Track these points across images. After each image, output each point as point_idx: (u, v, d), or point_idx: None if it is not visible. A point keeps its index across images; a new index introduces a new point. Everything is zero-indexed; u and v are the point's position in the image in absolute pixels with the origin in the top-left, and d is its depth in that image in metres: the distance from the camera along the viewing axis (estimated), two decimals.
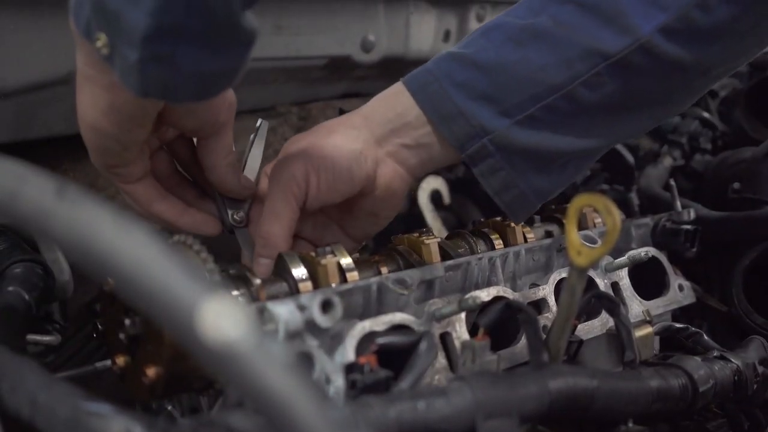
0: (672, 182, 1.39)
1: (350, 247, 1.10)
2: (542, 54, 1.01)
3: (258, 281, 0.91)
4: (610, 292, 1.12)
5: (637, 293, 1.15)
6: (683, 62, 1.00)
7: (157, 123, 0.92)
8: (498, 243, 1.11)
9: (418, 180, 1.10)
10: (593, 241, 1.11)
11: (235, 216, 1.03)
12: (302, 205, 1.01)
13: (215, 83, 0.84)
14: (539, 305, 1.06)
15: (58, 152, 1.34)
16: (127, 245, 0.53)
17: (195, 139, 1.01)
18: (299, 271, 0.93)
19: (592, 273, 1.10)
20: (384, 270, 1.02)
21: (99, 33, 0.76)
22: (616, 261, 1.14)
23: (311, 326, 0.85)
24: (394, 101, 1.06)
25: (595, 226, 1.21)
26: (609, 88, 1.01)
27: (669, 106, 1.11)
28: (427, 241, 1.04)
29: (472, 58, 1.03)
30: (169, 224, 1.02)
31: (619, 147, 1.72)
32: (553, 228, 1.20)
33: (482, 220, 1.19)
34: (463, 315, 0.96)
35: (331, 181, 1.00)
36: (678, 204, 1.34)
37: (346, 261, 0.97)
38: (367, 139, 1.03)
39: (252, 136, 1.10)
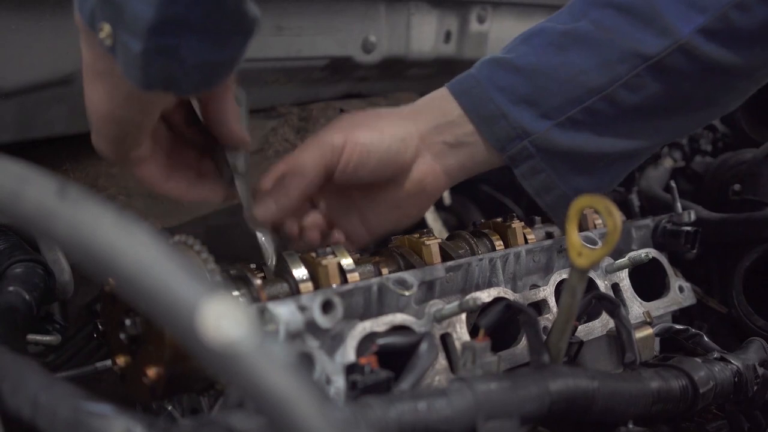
0: (672, 184, 1.39)
1: (363, 239, 1.09)
2: (583, 57, 1.02)
3: (259, 282, 0.91)
4: (611, 293, 1.12)
5: (637, 294, 1.15)
6: (724, 64, 0.99)
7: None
8: (498, 244, 1.11)
9: (456, 182, 1.09)
10: (594, 243, 1.12)
11: (237, 164, 1.02)
12: (330, 174, 1.01)
13: (217, 73, 0.84)
14: (540, 306, 1.06)
15: (59, 152, 1.34)
16: (129, 245, 0.53)
17: (195, 102, 0.99)
18: (300, 272, 0.94)
19: (592, 274, 1.10)
20: (385, 271, 1.02)
21: (103, 23, 0.76)
22: (616, 262, 1.14)
23: (312, 327, 0.85)
24: (439, 103, 1.07)
25: (595, 227, 1.21)
26: (649, 90, 1.01)
27: (712, 109, 1.10)
28: (427, 242, 1.04)
29: (514, 62, 1.04)
30: (182, 198, 1.01)
31: None
32: (554, 229, 1.21)
33: (483, 221, 1.19)
34: (463, 316, 0.96)
35: (366, 156, 1.00)
36: (678, 205, 1.34)
37: (347, 261, 0.97)
38: (411, 130, 1.04)
39: None
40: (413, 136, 1.04)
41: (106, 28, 0.76)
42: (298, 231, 1.04)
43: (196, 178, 1.01)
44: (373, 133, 1.01)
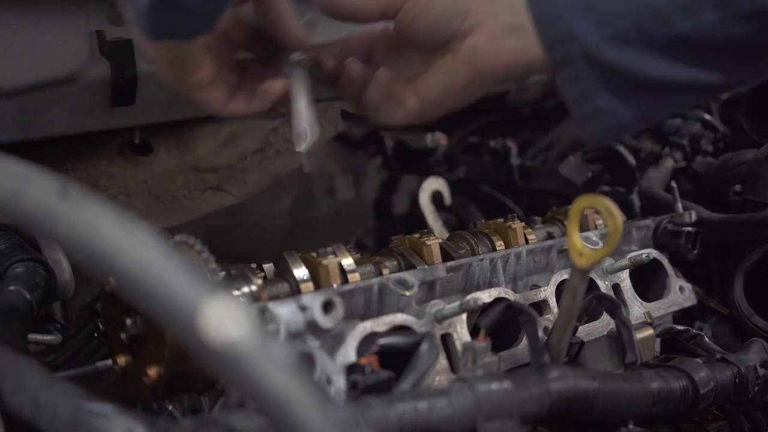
0: (673, 184, 1.39)
1: (414, 107, 1.08)
2: None
3: (259, 282, 0.91)
4: (612, 293, 1.12)
5: (638, 295, 1.15)
6: None
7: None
8: (499, 244, 1.11)
9: (507, 76, 1.09)
10: (594, 243, 1.12)
11: (293, 57, 1.03)
12: (391, 16, 1.02)
13: (219, 11, 0.89)
14: (540, 306, 1.06)
15: (60, 152, 1.34)
16: (130, 245, 0.53)
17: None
18: (300, 272, 0.94)
19: (593, 275, 1.10)
20: (385, 271, 1.02)
21: None
22: (617, 263, 1.14)
23: (312, 327, 0.85)
24: None
25: (596, 227, 1.21)
26: (705, 19, 0.98)
27: None
28: (428, 242, 1.04)
29: None
30: (245, 115, 1.05)
31: (620, 148, 1.72)
32: (555, 229, 1.20)
33: (483, 221, 1.19)
34: (464, 316, 0.96)
35: (426, 12, 1.01)
36: (679, 206, 1.34)
37: (348, 261, 0.97)
38: (476, 3, 1.04)
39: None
40: (476, 7, 1.04)
41: None
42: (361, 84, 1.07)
43: (256, 95, 1.03)
44: None
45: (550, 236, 1.19)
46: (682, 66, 1.03)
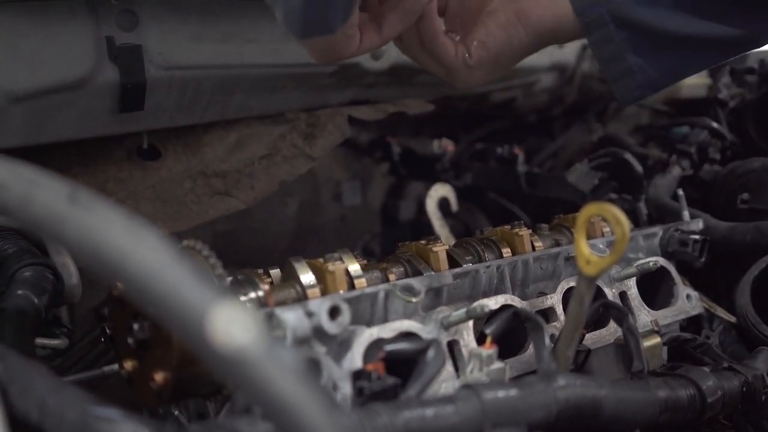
0: (680, 192, 1.39)
1: (482, 55, 1.12)
2: None
3: (266, 287, 0.91)
4: (618, 301, 1.11)
5: (645, 303, 1.15)
6: None
7: None
8: (506, 251, 1.11)
9: (550, 41, 1.16)
10: (601, 251, 1.11)
11: None
12: None
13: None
14: (547, 314, 1.06)
15: (68, 157, 1.35)
16: (138, 250, 0.53)
17: None
18: (307, 277, 0.94)
19: (600, 282, 1.10)
20: (392, 277, 1.02)
21: None
22: (624, 270, 1.13)
23: (319, 332, 0.85)
24: None
25: (603, 235, 1.21)
26: None
27: None
28: (435, 249, 1.04)
29: None
30: (377, 47, 1.08)
31: (628, 156, 1.72)
32: (561, 237, 1.20)
33: (490, 228, 1.19)
34: (470, 323, 0.96)
35: None
36: (686, 214, 1.34)
37: (354, 267, 0.97)
38: None
39: None
40: None
41: None
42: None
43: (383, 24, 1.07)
44: None
45: (557, 243, 1.19)
46: (709, 21, 1.06)
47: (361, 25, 1.03)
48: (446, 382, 0.91)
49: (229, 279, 0.90)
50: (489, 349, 0.92)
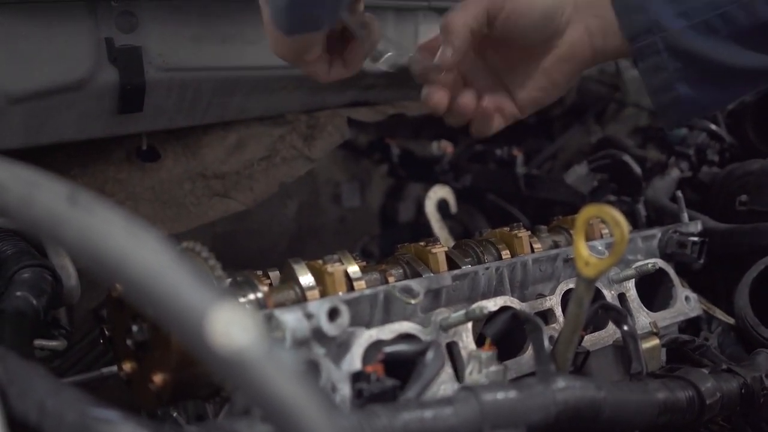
0: (679, 194, 1.39)
1: (511, 112, 1.12)
2: None
3: (266, 289, 0.91)
4: (617, 303, 1.11)
5: (643, 305, 1.15)
6: None
7: None
8: (505, 253, 1.11)
9: (592, 64, 1.14)
10: (600, 253, 1.11)
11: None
12: (493, 21, 1.03)
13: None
14: (546, 316, 1.06)
15: (68, 158, 1.35)
16: (138, 251, 0.53)
17: None
18: (306, 279, 0.94)
19: (599, 284, 1.10)
20: (391, 279, 1.02)
21: None
22: (623, 272, 1.13)
23: (318, 334, 0.85)
24: None
25: (602, 236, 1.21)
26: None
27: None
28: (434, 250, 1.04)
29: None
30: (343, 77, 1.11)
31: (627, 158, 1.72)
32: (560, 238, 1.20)
33: (489, 229, 1.19)
34: (469, 325, 0.95)
35: (527, 9, 1.03)
36: (685, 216, 1.34)
37: (353, 269, 0.97)
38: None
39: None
40: (569, 3, 1.06)
41: None
42: (450, 103, 1.09)
43: (344, 59, 1.10)
44: None
45: (555, 245, 1.19)
46: (760, 53, 1.04)
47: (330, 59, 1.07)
48: (445, 384, 0.91)
49: (229, 280, 0.90)
50: (488, 351, 0.92)
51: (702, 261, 1.26)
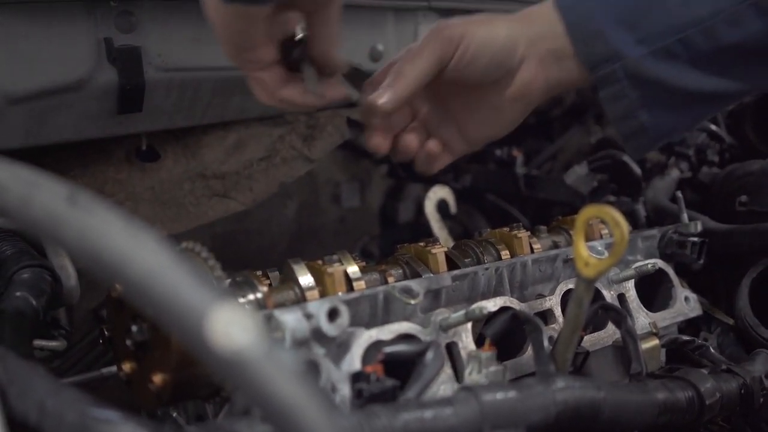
0: (679, 194, 1.39)
1: (460, 148, 1.11)
2: None
3: (265, 289, 0.91)
4: (617, 303, 1.11)
5: (643, 305, 1.15)
6: None
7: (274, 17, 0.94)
8: (505, 253, 1.11)
9: (548, 97, 1.12)
10: (600, 253, 1.11)
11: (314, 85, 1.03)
12: (444, 66, 1.01)
13: None
14: (546, 316, 1.06)
15: (67, 158, 1.35)
16: (138, 252, 0.53)
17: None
18: (306, 279, 0.94)
19: (598, 284, 1.10)
20: (391, 279, 1.02)
21: None
22: (622, 272, 1.13)
23: (318, 334, 0.85)
24: (546, 12, 1.07)
25: (602, 237, 1.21)
26: (750, 29, 0.99)
27: None
28: (433, 251, 1.04)
29: None
30: (295, 105, 1.03)
31: (626, 158, 1.72)
32: (560, 239, 1.20)
33: (489, 230, 1.19)
34: (469, 325, 0.96)
35: (481, 51, 1.01)
36: (685, 216, 1.34)
37: (353, 269, 0.97)
38: (520, 33, 1.05)
39: None
40: (522, 39, 1.05)
41: None
42: (395, 140, 1.07)
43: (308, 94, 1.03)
44: (489, 29, 1.02)
45: (555, 245, 1.19)
46: (721, 78, 1.03)
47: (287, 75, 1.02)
48: (445, 384, 0.91)
49: (228, 281, 0.90)
50: (487, 351, 0.92)
51: (702, 261, 1.26)
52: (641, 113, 1.07)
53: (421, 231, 1.83)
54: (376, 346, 0.87)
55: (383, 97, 0.99)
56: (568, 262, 1.14)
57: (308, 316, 0.85)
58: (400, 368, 0.87)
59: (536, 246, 1.14)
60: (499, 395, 0.80)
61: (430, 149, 1.08)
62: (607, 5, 1.04)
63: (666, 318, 1.17)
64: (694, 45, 1.02)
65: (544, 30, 1.06)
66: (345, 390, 0.83)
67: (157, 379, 0.85)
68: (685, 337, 1.15)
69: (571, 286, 1.07)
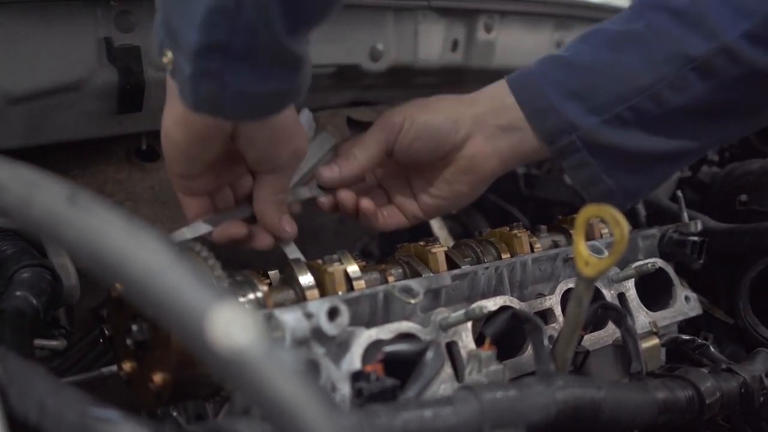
0: (679, 193, 1.39)
1: (415, 216, 1.14)
2: (632, 57, 1.06)
3: (265, 288, 0.91)
4: (617, 302, 1.11)
5: (643, 304, 1.15)
6: None
7: (228, 161, 0.96)
8: (505, 253, 1.11)
9: (508, 168, 1.15)
10: (600, 252, 1.11)
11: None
12: (390, 150, 1.08)
13: (264, 104, 0.87)
14: (546, 315, 1.06)
15: (67, 158, 1.35)
16: (138, 251, 0.53)
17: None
18: (306, 279, 0.94)
19: (598, 284, 1.10)
20: (390, 278, 1.02)
21: (166, 50, 0.83)
22: (622, 272, 1.13)
23: (318, 334, 0.85)
24: (497, 91, 1.12)
25: (602, 236, 1.21)
26: (694, 91, 1.03)
27: (760, 117, 1.12)
28: (433, 250, 1.04)
29: (569, 59, 1.09)
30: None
31: None
32: (560, 238, 1.20)
33: (489, 229, 1.19)
34: (469, 324, 0.96)
35: (420, 133, 1.06)
36: (685, 215, 1.34)
37: (353, 269, 0.97)
38: (465, 113, 1.09)
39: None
40: (466, 117, 1.09)
41: (168, 54, 0.83)
42: (356, 202, 1.10)
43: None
44: (428, 114, 1.08)
45: (555, 245, 1.19)
46: (673, 139, 1.08)
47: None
48: (445, 384, 0.91)
49: (228, 280, 0.90)
50: (487, 351, 0.92)
51: (702, 261, 1.26)
52: (606, 178, 1.10)
53: (421, 231, 1.83)
54: (376, 345, 0.87)
55: (330, 174, 1.07)
56: (568, 261, 1.14)
57: (308, 316, 0.85)
58: (400, 368, 0.87)
59: (536, 245, 1.14)
60: (499, 394, 0.80)
61: (363, 209, 1.11)
62: (556, 81, 1.08)
63: (666, 317, 1.17)
64: (643, 111, 1.06)
65: (494, 106, 1.10)
66: (345, 389, 0.83)
67: (157, 378, 0.85)
68: (685, 337, 1.15)
69: (571, 285, 1.07)
